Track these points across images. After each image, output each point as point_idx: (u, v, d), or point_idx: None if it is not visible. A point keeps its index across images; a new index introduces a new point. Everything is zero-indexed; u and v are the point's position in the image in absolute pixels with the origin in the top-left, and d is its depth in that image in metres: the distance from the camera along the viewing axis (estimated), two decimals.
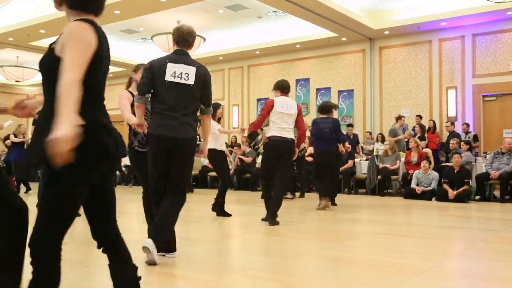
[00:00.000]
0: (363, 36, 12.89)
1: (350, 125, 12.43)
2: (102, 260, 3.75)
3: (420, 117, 11.84)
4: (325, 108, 7.41)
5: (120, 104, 4.01)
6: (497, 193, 8.86)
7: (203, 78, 3.57)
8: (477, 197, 8.78)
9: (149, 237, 3.55)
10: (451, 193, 8.32)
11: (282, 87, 5.81)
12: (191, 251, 3.95)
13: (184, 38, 3.60)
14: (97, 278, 3.14)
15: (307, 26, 12.40)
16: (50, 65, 1.90)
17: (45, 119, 1.87)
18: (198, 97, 3.59)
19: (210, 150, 6.02)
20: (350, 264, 3.58)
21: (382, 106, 13.15)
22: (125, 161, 13.66)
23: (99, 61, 1.99)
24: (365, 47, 13.36)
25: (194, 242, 4.19)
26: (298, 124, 5.80)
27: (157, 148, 3.49)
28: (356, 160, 10.48)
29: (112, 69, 17.23)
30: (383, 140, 11.29)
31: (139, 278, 2.16)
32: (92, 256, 3.93)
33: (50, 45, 1.99)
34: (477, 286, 3.00)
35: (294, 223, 5.72)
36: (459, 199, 8.26)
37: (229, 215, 6.28)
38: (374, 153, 10.77)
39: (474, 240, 4.77)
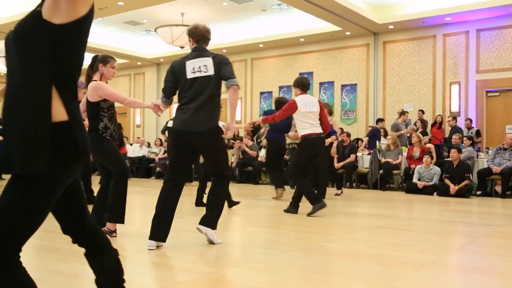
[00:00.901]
0: (367, 30, 12.85)
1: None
2: None
3: (423, 112, 11.84)
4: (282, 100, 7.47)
5: (112, 93, 4.07)
6: (498, 188, 8.85)
7: (219, 63, 3.69)
8: (479, 192, 8.78)
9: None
10: (453, 188, 8.33)
11: (303, 85, 5.83)
12: (191, 243, 3.98)
13: (204, 36, 3.79)
14: None
15: (311, 19, 12.36)
16: (33, 33, 1.58)
17: (15, 106, 1.58)
18: (220, 86, 3.73)
19: None
20: (350, 257, 3.60)
21: (385, 101, 13.13)
22: (127, 153, 13.70)
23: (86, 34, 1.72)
24: (369, 41, 13.32)
25: (195, 234, 4.20)
26: (323, 119, 5.86)
27: (177, 141, 3.69)
28: (358, 154, 10.48)
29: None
30: (385, 135, 11.29)
31: (120, 266, 2.05)
32: None
33: (36, 7, 1.64)
34: (476, 280, 3.01)
35: (294, 216, 5.74)
36: (460, 194, 8.26)
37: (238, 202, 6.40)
38: (377, 148, 10.76)
39: (474, 234, 4.78)
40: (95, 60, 4.20)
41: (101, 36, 14.62)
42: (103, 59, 4.17)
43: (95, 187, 6.61)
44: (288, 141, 7.91)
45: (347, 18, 11.73)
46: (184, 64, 3.66)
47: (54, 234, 4.32)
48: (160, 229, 3.62)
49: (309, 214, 5.63)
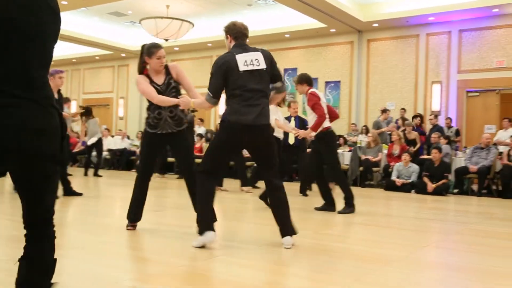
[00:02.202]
0: (351, 28, 12.92)
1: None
2: (70, 243, 3.79)
3: (404, 110, 11.97)
4: None
5: (143, 90, 4.00)
6: (475, 187, 9.02)
7: (269, 58, 3.68)
8: (455, 191, 8.93)
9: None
10: (430, 186, 8.46)
11: (311, 80, 5.83)
12: (167, 236, 3.99)
13: (242, 33, 3.74)
14: (64, 260, 3.16)
15: (296, 15, 12.38)
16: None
17: None
18: (269, 80, 3.71)
19: None
20: (322, 252, 3.64)
21: (368, 99, 13.23)
22: (108, 145, 13.64)
23: None
24: (353, 39, 13.39)
25: (171, 227, 4.23)
26: (332, 111, 6.03)
27: (232, 135, 3.59)
28: (339, 151, 10.56)
29: (98, 52, 17.09)
30: (367, 132, 11.39)
31: (55, 260, 1.88)
32: (60, 238, 3.95)
33: None
34: (443, 276, 3.08)
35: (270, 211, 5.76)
36: (437, 192, 8.40)
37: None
38: (357, 145, 10.87)
39: (448, 232, 4.88)
40: (142, 50, 4.09)
41: (84, 26, 14.45)
42: (147, 51, 4.02)
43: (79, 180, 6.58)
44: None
45: (332, 15, 11.78)
46: (234, 57, 3.59)
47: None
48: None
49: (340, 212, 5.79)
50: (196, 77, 15.53)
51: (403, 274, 3.01)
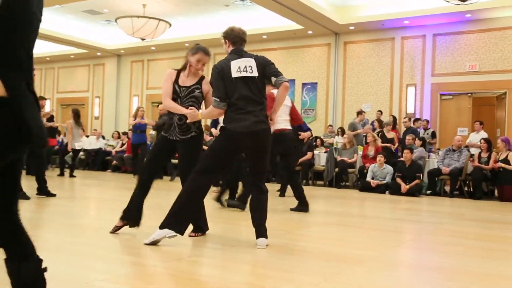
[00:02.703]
0: (328, 30, 13.03)
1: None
2: (43, 244, 3.72)
3: (381, 112, 12.12)
4: None
5: (163, 88, 3.94)
6: (447, 188, 9.18)
7: (263, 65, 3.66)
8: (429, 192, 9.08)
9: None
10: (404, 187, 8.58)
11: None
12: (140, 238, 3.94)
13: (241, 37, 3.73)
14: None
15: (274, 17, 12.42)
16: None
17: None
18: (264, 88, 3.71)
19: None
20: (293, 252, 3.66)
21: (345, 100, 13.36)
22: (83, 145, 13.46)
23: None
24: (330, 41, 13.51)
25: (149, 228, 4.17)
26: (295, 115, 6.10)
27: (232, 141, 3.59)
28: (315, 152, 10.63)
29: (73, 50, 16.84)
30: (343, 133, 11.49)
31: (44, 270, 1.83)
32: (33, 240, 3.87)
33: None
34: (412, 275, 3.12)
35: (246, 212, 5.76)
36: (411, 193, 8.52)
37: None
38: (334, 146, 10.95)
39: (419, 232, 4.95)
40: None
41: (58, 24, 14.23)
42: (193, 49, 3.95)
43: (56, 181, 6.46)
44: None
45: (309, 17, 11.86)
46: (229, 63, 3.59)
47: None
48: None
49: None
50: None
51: (372, 274, 3.04)
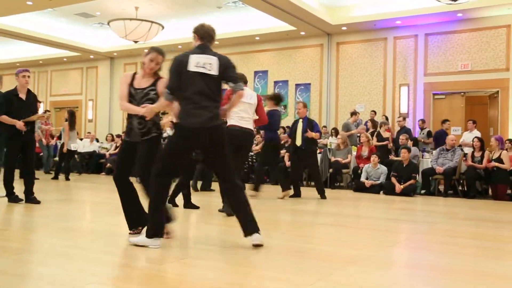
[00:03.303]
0: (321, 31, 13.04)
1: None
2: (37, 247, 3.70)
3: (375, 112, 12.14)
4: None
5: (119, 91, 3.97)
6: (442, 188, 9.20)
7: (225, 65, 3.67)
8: (423, 191, 9.09)
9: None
10: (398, 187, 8.59)
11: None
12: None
13: (209, 34, 3.74)
14: (29, 265, 3.07)
15: (266, 18, 12.43)
16: None
17: None
18: (220, 88, 3.71)
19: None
20: (287, 252, 3.64)
21: (338, 101, 13.38)
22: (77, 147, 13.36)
23: None
24: (323, 41, 13.53)
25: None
26: (261, 115, 6.05)
27: (185, 139, 3.57)
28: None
29: (66, 53, 16.77)
30: (337, 134, 11.50)
31: None
32: (27, 243, 3.86)
33: None
34: (407, 274, 3.12)
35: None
36: (405, 193, 8.53)
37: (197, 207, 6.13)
38: (328, 147, 10.95)
39: (412, 231, 4.96)
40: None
41: (51, 28, 14.16)
42: (148, 50, 3.96)
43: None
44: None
45: (302, 18, 11.87)
46: (188, 57, 3.58)
47: None
48: None
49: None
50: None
51: (367, 273, 3.03)
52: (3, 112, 5.96)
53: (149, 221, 3.59)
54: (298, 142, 7.77)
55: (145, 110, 3.75)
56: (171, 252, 3.51)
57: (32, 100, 6.27)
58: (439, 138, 10.61)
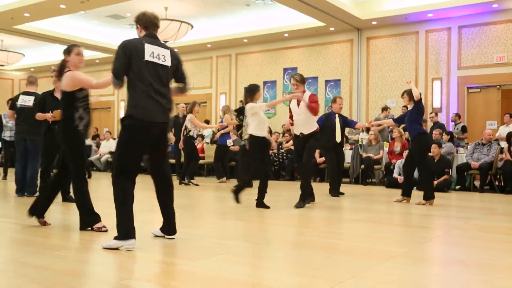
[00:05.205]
0: (351, 26, 12.90)
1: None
2: (74, 244, 3.80)
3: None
4: None
5: (80, 80, 4.18)
6: (477, 183, 8.98)
7: (177, 59, 3.70)
8: (457, 187, 8.89)
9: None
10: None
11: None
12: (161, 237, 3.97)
13: (153, 22, 3.63)
14: (67, 261, 3.16)
15: (295, 15, 12.38)
16: None
17: None
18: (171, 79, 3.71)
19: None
20: (321, 249, 3.63)
21: (369, 97, 13.21)
22: (110, 147, 13.64)
23: None
24: (352, 37, 13.38)
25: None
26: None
27: (139, 134, 3.49)
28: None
29: (98, 55, 17.11)
30: (368, 130, 11.34)
31: None
32: (65, 240, 3.96)
33: None
34: (443, 270, 3.07)
35: (272, 210, 5.76)
36: (439, 188, 8.34)
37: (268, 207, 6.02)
38: (359, 143, 10.84)
39: (448, 227, 4.86)
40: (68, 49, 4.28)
41: (83, 30, 14.48)
42: (66, 49, 4.27)
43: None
44: None
45: (331, 13, 11.76)
46: (143, 44, 3.47)
47: (27, 227, 4.30)
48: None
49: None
50: (197, 78, 15.57)
51: (402, 270, 2.99)
52: (38, 110, 6.18)
53: (118, 223, 3.44)
54: (338, 138, 7.69)
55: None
56: (200, 248, 3.54)
57: (56, 101, 6.43)
58: None
